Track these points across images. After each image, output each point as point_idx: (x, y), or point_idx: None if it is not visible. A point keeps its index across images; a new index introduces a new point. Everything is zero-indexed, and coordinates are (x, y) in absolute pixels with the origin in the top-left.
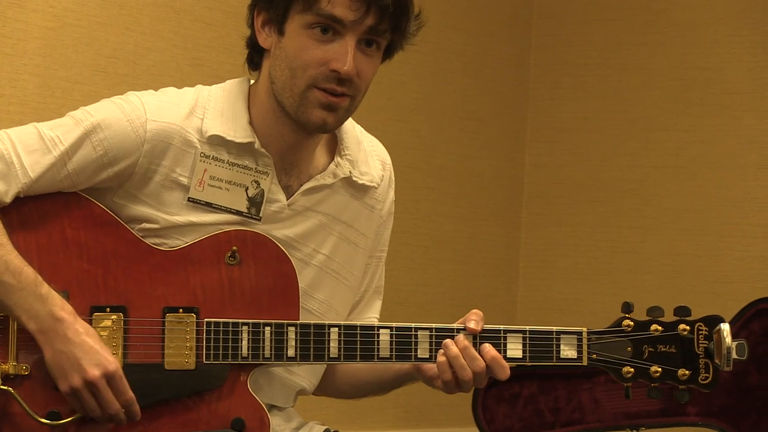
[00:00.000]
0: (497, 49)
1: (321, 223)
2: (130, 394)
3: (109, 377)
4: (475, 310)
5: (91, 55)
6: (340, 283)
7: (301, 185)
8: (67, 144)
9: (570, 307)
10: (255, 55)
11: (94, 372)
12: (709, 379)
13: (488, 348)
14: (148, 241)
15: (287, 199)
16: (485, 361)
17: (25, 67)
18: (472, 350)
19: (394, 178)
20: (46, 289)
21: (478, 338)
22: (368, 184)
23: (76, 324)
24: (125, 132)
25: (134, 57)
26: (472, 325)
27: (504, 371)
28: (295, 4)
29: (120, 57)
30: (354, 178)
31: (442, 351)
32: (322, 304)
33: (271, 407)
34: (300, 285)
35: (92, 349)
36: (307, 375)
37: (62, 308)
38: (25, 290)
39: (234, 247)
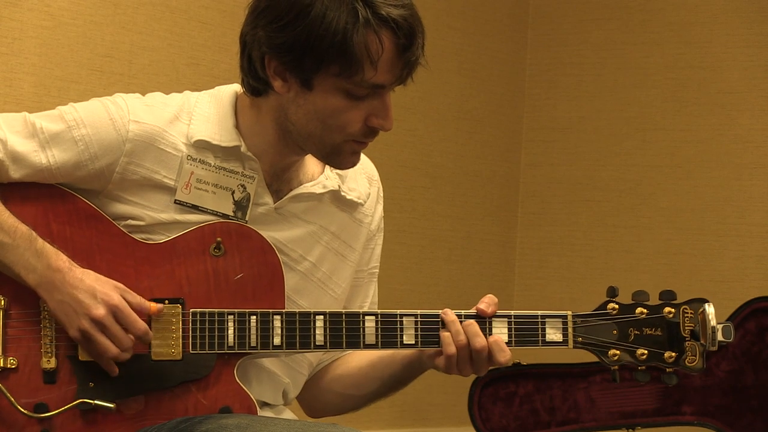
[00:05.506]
0: (493, 48)
1: (309, 232)
2: (141, 324)
3: (114, 311)
4: (489, 295)
5: (86, 54)
6: (326, 294)
7: (291, 190)
8: (48, 133)
9: (565, 306)
10: (260, 88)
11: (99, 310)
12: (696, 361)
13: (472, 323)
14: (134, 236)
15: (275, 203)
16: (487, 341)
17: (21, 66)
18: (476, 327)
19: (382, 194)
20: (40, 243)
21: (487, 324)
22: (356, 200)
23: (73, 271)
24: (107, 130)
25: (130, 56)
26: (482, 306)
27: (504, 354)
28: (331, 66)
29: (115, 56)
30: (342, 193)
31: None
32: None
33: (263, 405)
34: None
35: (92, 288)
36: (284, 373)
37: (57, 259)
38: (21, 247)
39: (219, 239)
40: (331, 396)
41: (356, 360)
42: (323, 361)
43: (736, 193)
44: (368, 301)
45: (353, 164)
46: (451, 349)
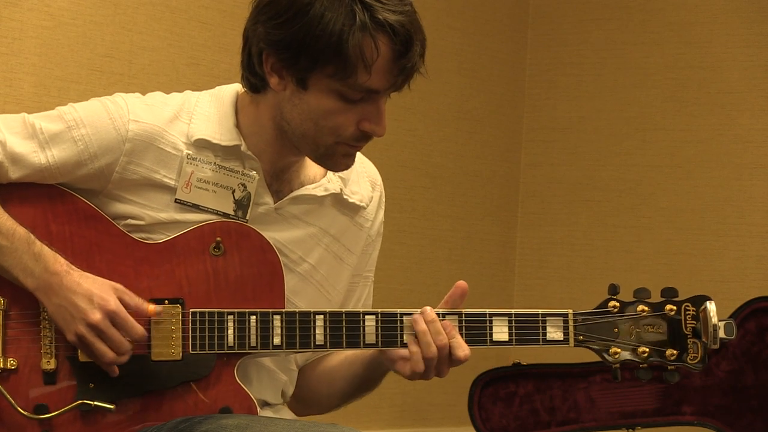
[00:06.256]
0: (493, 48)
1: (309, 234)
2: (138, 328)
3: (111, 316)
4: (458, 285)
5: (86, 54)
6: (322, 296)
7: (291, 191)
8: (48, 133)
9: (566, 306)
10: (258, 84)
11: (95, 315)
12: (698, 358)
13: (449, 324)
14: (134, 236)
15: (275, 203)
16: (447, 338)
17: (21, 66)
18: (438, 325)
19: (384, 200)
20: (38, 246)
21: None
22: (358, 203)
23: (71, 275)
24: (107, 129)
25: (130, 56)
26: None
27: (463, 350)
28: (325, 67)
29: (116, 56)
30: (344, 196)
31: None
32: None
33: (264, 404)
34: None
35: (89, 292)
36: (282, 371)
37: (55, 262)
38: (19, 250)
39: (218, 238)
40: (309, 393)
41: (332, 359)
42: (308, 359)
43: (736, 193)
44: (360, 304)
45: (346, 167)
46: (432, 349)
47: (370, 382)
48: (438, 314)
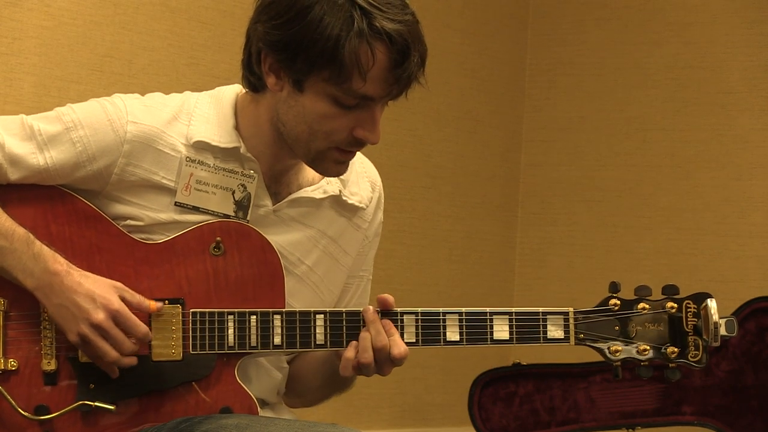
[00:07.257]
0: (493, 48)
1: (308, 236)
2: (142, 326)
3: (114, 315)
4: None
5: (86, 54)
6: (317, 296)
7: (290, 194)
8: (46, 135)
9: (565, 306)
10: (257, 84)
11: (98, 315)
12: (699, 356)
13: (388, 323)
14: (134, 236)
15: (273, 205)
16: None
17: (21, 66)
18: (378, 325)
19: (383, 201)
20: (38, 246)
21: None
22: (357, 204)
23: (71, 274)
24: (105, 131)
25: (130, 56)
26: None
27: (398, 348)
28: (322, 71)
29: (115, 56)
30: (344, 198)
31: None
32: None
33: (263, 404)
34: None
35: (91, 292)
36: (277, 369)
37: (55, 262)
38: (18, 251)
39: (218, 238)
40: (291, 385)
41: (306, 355)
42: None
43: (736, 193)
44: (352, 303)
45: (337, 174)
46: (369, 354)
47: (333, 378)
48: (440, 313)
